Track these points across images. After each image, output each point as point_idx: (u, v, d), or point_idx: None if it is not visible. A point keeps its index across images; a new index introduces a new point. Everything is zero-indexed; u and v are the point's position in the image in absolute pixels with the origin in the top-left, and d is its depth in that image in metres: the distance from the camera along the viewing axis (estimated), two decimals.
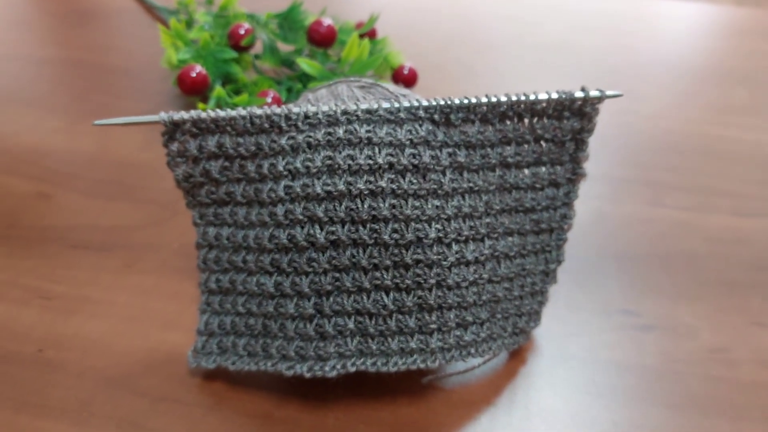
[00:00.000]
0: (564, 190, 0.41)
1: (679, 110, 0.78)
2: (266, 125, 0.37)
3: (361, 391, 0.42)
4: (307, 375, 0.38)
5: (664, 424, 0.41)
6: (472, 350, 0.40)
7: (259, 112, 0.37)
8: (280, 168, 0.37)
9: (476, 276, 0.39)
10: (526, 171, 0.40)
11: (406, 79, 0.70)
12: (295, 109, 0.36)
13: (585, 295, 0.50)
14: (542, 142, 0.39)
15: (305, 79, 0.68)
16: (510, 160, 0.39)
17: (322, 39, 0.66)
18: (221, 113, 0.37)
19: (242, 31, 0.67)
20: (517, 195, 0.40)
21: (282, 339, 0.39)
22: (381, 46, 0.72)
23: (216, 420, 0.40)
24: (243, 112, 0.37)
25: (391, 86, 0.42)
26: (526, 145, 0.39)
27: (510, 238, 0.41)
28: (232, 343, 0.40)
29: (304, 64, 0.63)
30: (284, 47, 0.74)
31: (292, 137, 0.36)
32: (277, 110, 0.37)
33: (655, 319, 0.49)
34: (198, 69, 0.63)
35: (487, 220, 0.39)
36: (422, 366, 0.39)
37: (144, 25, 0.95)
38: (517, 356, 0.45)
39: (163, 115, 0.37)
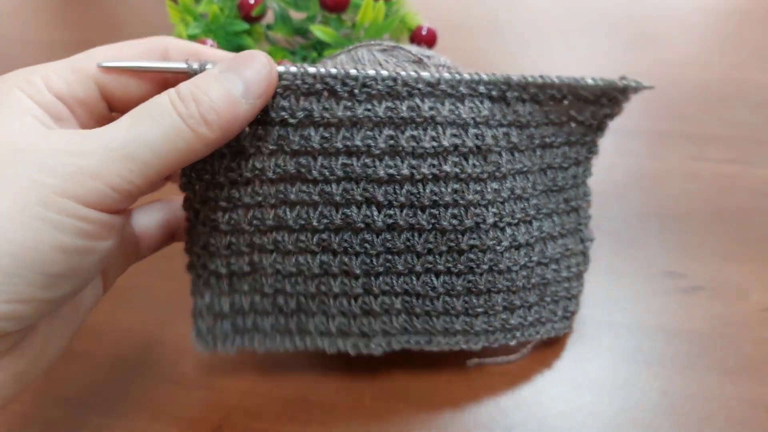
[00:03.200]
0: (582, 168, 0.40)
1: (718, 56, 0.73)
2: (318, 86, 0.32)
3: (398, 368, 0.41)
4: (352, 352, 0.37)
5: (718, 391, 0.39)
6: (518, 333, 0.39)
7: (312, 70, 0.31)
8: (338, 144, 0.33)
9: (527, 259, 0.38)
10: (558, 151, 0.39)
11: (425, 40, 0.67)
12: (353, 72, 0.32)
13: (627, 259, 0.48)
14: (574, 124, 0.38)
15: (320, 47, 0.65)
16: (548, 140, 0.38)
17: (335, 4, 0.63)
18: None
19: (252, 1, 0.65)
20: (552, 175, 0.39)
21: (321, 315, 0.37)
22: (396, 7, 0.69)
23: (252, 405, 0.39)
24: (293, 69, 0.31)
25: (413, 48, 0.40)
26: (562, 126, 0.38)
27: (551, 219, 0.39)
28: (253, 322, 0.38)
29: (318, 31, 0.61)
30: (296, 15, 0.71)
31: (350, 108, 0.32)
32: (333, 71, 0.32)
33: (702, 281, 0.46)
34: (209, 43, 0.61)
35: (534, 201, 0.38)
36: (465, 347, 0.38)
37: (152, 2, 0.92)
38: None
39: (192, 63, 0.30)
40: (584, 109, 0.38)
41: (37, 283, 0.25)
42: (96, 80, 0.29)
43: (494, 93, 0.35)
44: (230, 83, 0.28)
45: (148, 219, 0.36)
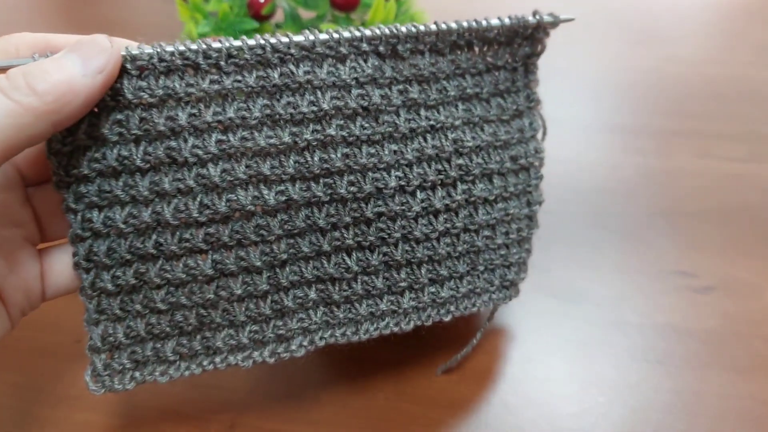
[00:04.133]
0: (527, 120, 0.38)
1: (726, 54, 0.73)
2: (179, 62, 0.30)
3: (409, 369, 0.41)
4: (271, 361, 0.34)
5: (731, 390, 0.39)
6: (452, 308, 0.36)
7: (169, 48, 0.30)
8: (208, 119, 0.31)
9: (448, 225, 0.35)
10: (492, 102, 0.36)
11: None
12: (216, 45, 0.30)
13: (636, 257, 0.48)
14: (495, 71, 0.36)
15: None
16: (470, 91, 0.35)
17: (346, 3, 0.63)
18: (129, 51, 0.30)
19: (262, 0, 0.65)
20: (491, 129, 0.36)
21: (228, 327, 0.34)
22: (406, 7, 0.68)
23: (260, 404, 0.39)
24: (147, 48, 0.30)
25: None
26: (482, 76, 0.36)
27: (489, 181, 0.36)
28: (153, 350, 0.33)
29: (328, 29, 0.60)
30: (306, 14, 0.71)
31: (217, 81, 0.31)
32: (192, 46, 0.30)
33: (713, 280, 0.46)
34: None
35: (459, 161, 0.35)
36: (395, 329, 0.35)
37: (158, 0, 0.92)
38: (569, 324, 0.43)
39: (39, 58, 0.29)
40: (500, 53, 0.36)
41: None
42: None
43: (381, 49, 0.33)
44: (65, 59, 0.27)
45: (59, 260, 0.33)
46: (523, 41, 0.35)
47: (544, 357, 0.41)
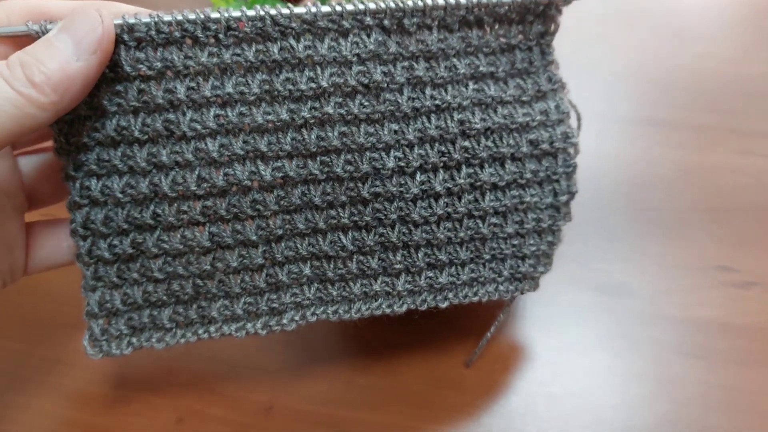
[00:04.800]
0: (552, 102, 0.35)
1: (761, 51, 0.72)
2: (177, 34, 0.30)
3: (447, 356, 0.40)
4: (263, 332, 0.34)
5: None
6: (450, 294, 0.35)
7: (167, 17, 0.29)
8: (207, 93, 0.30)
9: (449, 210, 0.34)
10: (510, 83, 0.34)
11: None
12: (214, 15, 0.30)
13: (677, 251, 0.47)
14: (510, 50, 0.34)
15: None
16: (483, 70, 0.34)
17: None
18: (117, 18, 0.29)
19: None
20: (504, 111, 0.34)
21: (223, 298, 0.34)
22: None
23: (296, 386, 0.39)
24: (144, 18, 0.29)
25: None
26: (497, 55, 0.34)
27: (501, 165, 0.35)
28: (149, 317, 0.34)
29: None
30: None
31: (216, 54, 0.30)
32: (191, 15, 0.29)
33: (755, 275, 0.45)
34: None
35: (465, 143, 0.34)
36: (388, 311, 0.35)
37: None
38: (610, 318, 0.42)
39: (32, 25, 0.29)
40: (512, 31, 0.34)
41: None
42: None
43: (386, 23, 0.31)
44: (59, 43, 0.27)
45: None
46: (535, 18, 0.34)
47: (585, 349, 0.41)
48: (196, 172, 0.31)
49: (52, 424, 0.38)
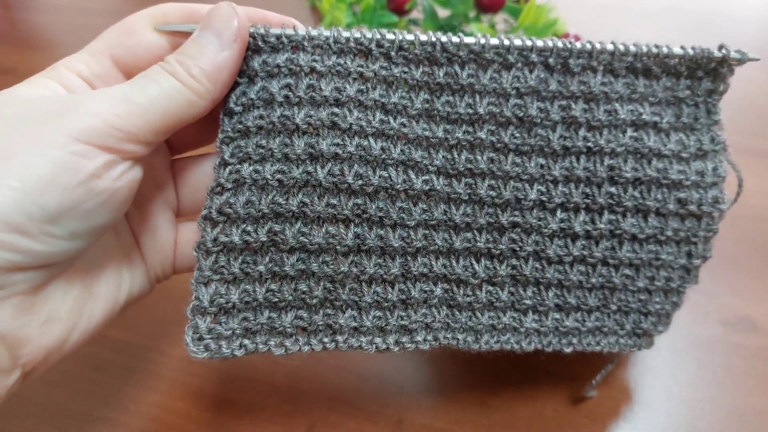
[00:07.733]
0: (710, 164, 0.34)
1: None
2: (353, 46, 0.32)
3: (578, 384, 0.40)
4: (395, 349, 0.34)
5: None
6: (574, 340, 0.35)
7: (345, 34, 0.32)
8: (374, 96, 0.32)
9: (585, 253, 0.34)
10: (671, 136, 0.34)
11: None
12: (389, 36, 0.32)
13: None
14: (677, 104, 0.34)
15: None
16: (646, 118, 0.33)
17: (491, 3, 0.63)
18: (309, 31, 0.32)
19: None
20: (660, 164, 0.34)
21: (352, 308, 0.33)
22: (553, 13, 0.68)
23: (427, 402, 0.39)
24: (332, 32, 0.32)
25: None
26: (662, 106, 0.33)
27: (644, 218, 0.34)
28: (268, 319, 0.33)
29: (477, 29, 0.60)
30: (443, 12, 0.71)
31: (386, 68, 0.32)
32: (368, 34, 0.32)
33: None
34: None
35: (611, 189, 0.34)
36: (516, 347, 0.35)
37: None
38: (735, 351, 0.41)
39: (192, 25, 0.32)
40: (680, 84, 0.33)
41: (33, 214, 0.26)
42: (111, 56, 0.32)
43: (551, 61, 0.32)
44: (204, 39, 0.31)
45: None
46: (705, 75, 0.33)
47: (706, 383, 0.40)
48: (354, 168, 0.32)
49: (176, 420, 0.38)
